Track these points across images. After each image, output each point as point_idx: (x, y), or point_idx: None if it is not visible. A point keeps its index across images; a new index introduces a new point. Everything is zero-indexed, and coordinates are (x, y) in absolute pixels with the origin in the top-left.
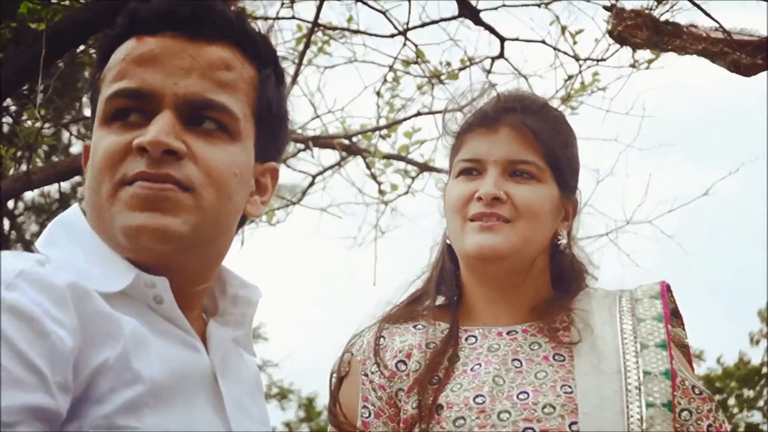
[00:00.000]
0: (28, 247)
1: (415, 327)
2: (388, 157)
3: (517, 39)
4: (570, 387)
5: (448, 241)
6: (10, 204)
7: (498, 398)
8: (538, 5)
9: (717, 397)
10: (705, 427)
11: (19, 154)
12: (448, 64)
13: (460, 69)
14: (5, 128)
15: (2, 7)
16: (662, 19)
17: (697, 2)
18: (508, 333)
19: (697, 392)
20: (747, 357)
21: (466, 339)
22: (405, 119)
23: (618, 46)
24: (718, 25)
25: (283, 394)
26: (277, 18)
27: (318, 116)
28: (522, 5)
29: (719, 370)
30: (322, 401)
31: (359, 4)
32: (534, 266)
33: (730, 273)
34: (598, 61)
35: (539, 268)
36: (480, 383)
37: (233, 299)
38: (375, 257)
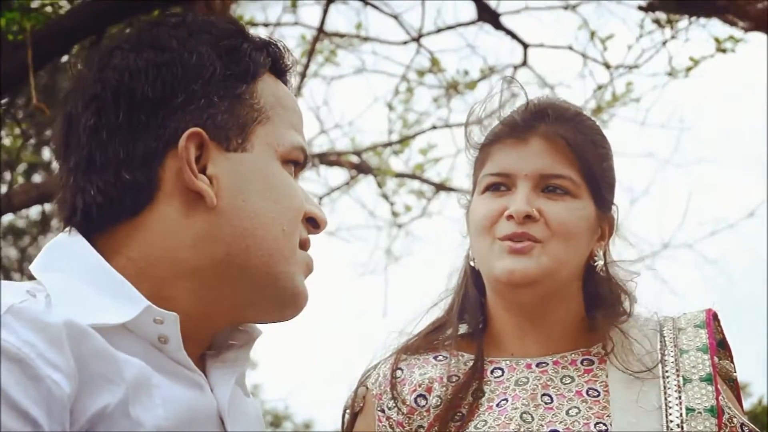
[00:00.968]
0: (7, 273)
1: (435, 358)
2: (401, 175)
3: (541, 45)
4: (605, 425)
5: (471, 264)
6: None
7: None
8: (564, 8)
9: None
10: None
11: None
12: (466, 73)
13: (480, 79)
14: None
15: None
16: None
17: None
18: (537, 365)
19: (747, 431)
20: None
21: (492, 372)
22: (419, 134)
23: (653, 51)
24: None
25: (278, 423)
26: (279, 24)
27: (324, 131)
28: (547, 8)
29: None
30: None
31: (368, 8)
32: (567, 290)
33: None
34: (630, 68)
35: (573, 292)
36: (506, 420)
37: (231, 335)
38: (386, 285)
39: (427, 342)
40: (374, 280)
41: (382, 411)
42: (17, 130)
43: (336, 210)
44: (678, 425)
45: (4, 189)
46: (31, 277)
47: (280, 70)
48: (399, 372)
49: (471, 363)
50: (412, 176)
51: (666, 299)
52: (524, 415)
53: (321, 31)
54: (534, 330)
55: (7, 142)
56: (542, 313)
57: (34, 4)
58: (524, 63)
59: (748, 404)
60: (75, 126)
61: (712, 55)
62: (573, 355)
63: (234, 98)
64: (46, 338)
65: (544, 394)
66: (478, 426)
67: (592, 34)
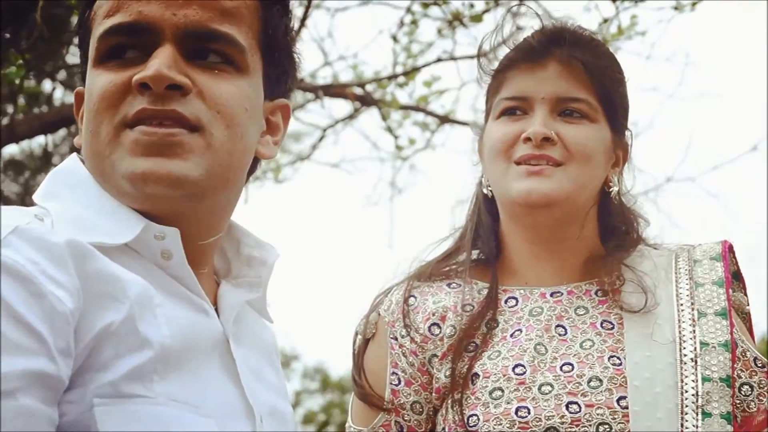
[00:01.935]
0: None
1: (449, 286)
2: (405, 107)
3: None
4: (619, 358)
5: (485, 190)
6: None
7: (539, 369)
8: None
9: None
10: (767, 403)
11: None
12: (471, 5)
13: (485, 11)
14: None
15: None
16: None
17: None
18: (552, 294)
19: (760, 365)
20: None
21: (506, 301)
22: (424, 66)
23: None
24: None
25: (287, 362)
26: None
27: (328, 63)
28: None
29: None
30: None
31: None
32: (582, 216)
33: None
34: (636, 1)
35: (588, 218)
36: (520, 351)
37: (247, 260)
38: (391, 217)
39: (439, 269)
40: (379, 212)
41: (395, 339)
42: (20, 62)
43: (340, 142)
44: (692, 359)
45: (5, 121)
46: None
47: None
48: (412, 299)
49: (485, 291)
50: (416, 108)
51: (669, 232)
52: (538, 347)
53: None
54: (548, 257)
55: (9, 72)
56: (557, 239)
57: None
58: None
59: None
60: None
61: None
62: (587, 285)
63: (86, 32)
64: (49, 257)
65: (558, 326)
66: (491, 356)
67: None
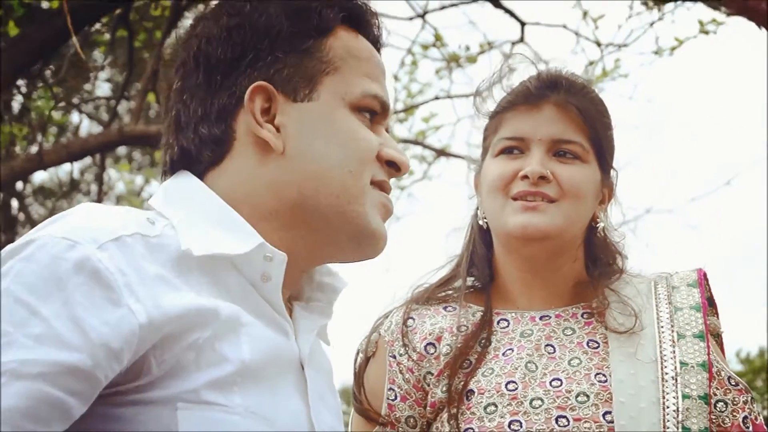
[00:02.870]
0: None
1: (445, 309)
2: (404, 141)
3: (537, 23)
4: (604, 375)
5: (480, 222)
6: (18, 185)
7: (530, 385)
8: None
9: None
10: (740, 419)
11: (26, 132)
12: (467, 48)
13: (479, 53)
14: (16, 107)
15: None
16: None
17: None
18: (541, 318)
19: (733, 383)
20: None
21: (498, 323)
22: (422, 103)
23: (641, 31)
24: None
25: None
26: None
27: None
28: None
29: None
30: None
31: None
32: (572, 249)
33: (752, 265)
34: (620, 46)
35: (576, 251)
36: (512, 369)
37: (319, 285)
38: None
39: (437, 294)
40: None
41: (393, 357)
42: (49, 94)
43: None
44: (673, 377)
45: (35, 149)
46: None
47: (359, 24)
48: (410, 321)
49: (479, 314)
50: (415, 142)
51: (647, 261)
52: (529, 365)
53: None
54: (539, 285)
55: (39, 104)
56: (548, 269)
57: None
58: (521, 40)
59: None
60: (172, 90)
61: (695, 36)
62: (574, 309)
63: (301, 53)
64: (140, 277)
65: (547, 345)
66: (485, 374)
67: (585, 13)
